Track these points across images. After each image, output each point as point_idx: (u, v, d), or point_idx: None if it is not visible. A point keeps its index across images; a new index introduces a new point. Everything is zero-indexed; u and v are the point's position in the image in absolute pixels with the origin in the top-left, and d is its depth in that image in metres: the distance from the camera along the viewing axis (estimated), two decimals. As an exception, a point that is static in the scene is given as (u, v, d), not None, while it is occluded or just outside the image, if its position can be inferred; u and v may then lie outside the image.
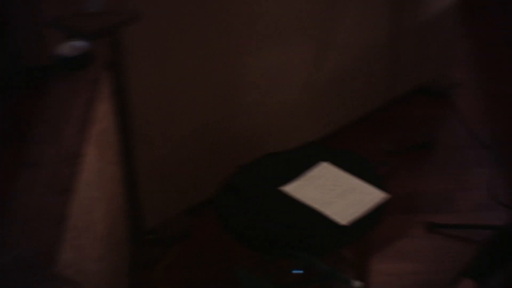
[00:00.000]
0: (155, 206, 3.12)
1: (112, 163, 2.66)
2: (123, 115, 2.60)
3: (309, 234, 2.45)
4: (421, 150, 3.86)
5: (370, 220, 2.54)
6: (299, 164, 2.74)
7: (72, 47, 2.35)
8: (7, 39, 2.42)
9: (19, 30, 2.45)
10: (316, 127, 3.68)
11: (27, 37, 2.46)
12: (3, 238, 1.75)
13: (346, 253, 2.92)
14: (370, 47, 3.70)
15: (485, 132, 3.94)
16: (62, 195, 1.87)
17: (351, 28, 3.52)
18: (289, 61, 3.34)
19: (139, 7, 2.51)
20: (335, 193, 2.61)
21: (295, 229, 2.45)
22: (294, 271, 2.00)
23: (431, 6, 3.87)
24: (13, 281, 1.63)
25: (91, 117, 2.22)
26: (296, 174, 2.69)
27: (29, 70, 2.46)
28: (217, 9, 2.93)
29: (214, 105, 3.15)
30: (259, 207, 2.54)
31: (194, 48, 2.95)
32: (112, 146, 2.64)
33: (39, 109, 2.24)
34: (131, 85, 2.60)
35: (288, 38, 3.27)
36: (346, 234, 2.47)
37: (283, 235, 2.44)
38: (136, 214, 2.87)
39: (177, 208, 3.28)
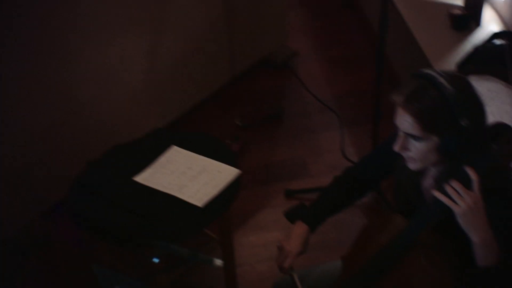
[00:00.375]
0: (9, 213, 3.01)
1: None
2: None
3: (166, 221, 2.43)
4: (272, 121, 3.94)
5: (226, 197, 2.55)
6: (148, 152, 2.71)
7: None
8: None
9: None
10: (164, 113, 3.66)
11: None
12: None
13: (210, 232, 2.93)
14: (206, 28, 3.70)
15: (328, 96, 4.07)
16: None
17: (183, 12, 3.52)
18: (125, 53, 3.29)
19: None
20: (188, 176, 2.60)
21: (151, 218, 2.42)
22: (154, 260, 1.98)
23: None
24: None
25: None
26: (147, 162, 2.66)
27: None
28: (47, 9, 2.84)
29: (55, 104, 3.06)
30: (112, 200, 2.49)
31: (25, 48, 2.85)
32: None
33: None
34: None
35: (120, 31, 3.22)
36: (204, 215, 2.47)
37: (139, 225, 2.40)
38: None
39: (33, 213, 3.17)
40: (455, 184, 1.75)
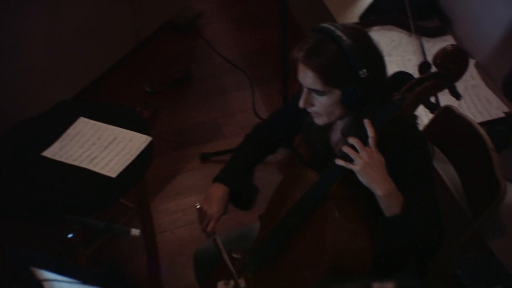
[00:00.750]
0: None
1: None
2: None
3: (79, 194, 2.39)
4: (182, 85, 3.90)
5: (139, 166, 2.52)
6: (56, 125, 2.64)
7: None
8: None
9: None
10: (70, 84, 3.56)
11: None
12: None
13: (127, 202, 2.90)
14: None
15: (237, 56, 4.06)
16: None
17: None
18: (24, 23, 3.17)
19: None
20: (98, 147, 2.55)
21: (63, 193, 2.37)
22: (69, 236, 1.95)
23: None
24: None
25: None
26: (55, 136, 2.59)
27: None
28: None
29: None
30: (21, 177, 2.41)
31: None
32: None
33: None
34: None
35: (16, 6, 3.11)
36: (118, 185, 2.44)
37: (51, 201, 2.35)
38: None
39: None
40: (352, 140, 1.78)
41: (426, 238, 1.87)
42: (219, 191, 2.15)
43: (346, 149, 1.80)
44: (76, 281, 1.40)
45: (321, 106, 1.88)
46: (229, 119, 3.70)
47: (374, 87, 1.82)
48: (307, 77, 1.85)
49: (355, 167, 1.78)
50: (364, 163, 1.77)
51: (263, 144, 2.25)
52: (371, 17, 3.13)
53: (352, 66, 1.80)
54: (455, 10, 2.97)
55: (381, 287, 1.07)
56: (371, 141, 1.79)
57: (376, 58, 1.85)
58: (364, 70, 1.79)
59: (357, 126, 1.85)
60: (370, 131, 1.78)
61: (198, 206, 2.16)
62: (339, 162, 1.81)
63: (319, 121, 1.93)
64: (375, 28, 3.06)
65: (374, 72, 1.82)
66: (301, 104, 1.90)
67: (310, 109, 1.91)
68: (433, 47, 2.88)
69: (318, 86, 1.84)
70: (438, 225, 1.90)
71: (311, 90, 1.87)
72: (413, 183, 1.86)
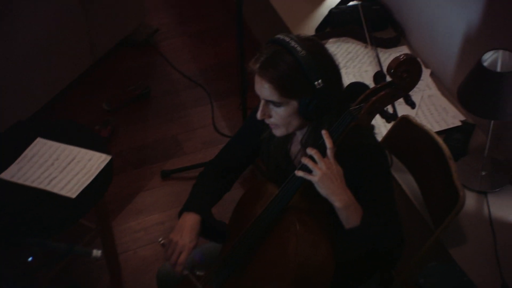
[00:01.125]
0: None
1: None
2: None
3: (38, 216, 2.35)
4: (140, 102, 3.87)
5: (99, 185, 2.50)
6: (12, 146, 2.60)
7: None
8: None
9: None
10: (26, 105, 3.52)
11: None
12: None
13: (88, 222, 2.86)
14: (61, 13, 3.57)
15: (195, 71, 4.05)
16: None
17: (33, 3, 3.38)
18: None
19: None
20: (57, 167, 2.52)
21: (22, 215, 2.33)
22: (29, 259, 1.92)
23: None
24: None
25: None
26: (12, 158, 2.55)
27: None
28: None
29: None
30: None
31: None
32: None
33: None
34: None
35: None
36: (78, 206, 2.41)
37: (10, 224, 2.31)
38: None
39: None
40: (311, 151, 1.79)
41: (386, 248, 1.89)
42: (190, 220, 2.04)
43: (305, 160, 1.81)
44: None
45: (278, 117, 1.89)
46: (189, 135, 3.68)
47: (330, 97, 1.83)
48: (263, 89, 1.86)
49: (314, 178, 1.79)
50: (322, 174, 1.78)
51: (226, 170, 2.19)
52: (327, 29, 3.15)
53: (308, 76, 1.81)
54: (409, 20, 3.01)
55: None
56: (329, 152, 1.80)
57: (331, 68, 1.87)
58: (320, 81, 1.81)
59: (316, 137, 1.87)
60: (328, 142, 1.80)
61: (162, 242, 2.04)
62: (299, 173, 1.81)
63: (278, 132, 1.94)
64: (331, 40, 3.08)
65: (330, 82, 1.84)
66: (258, 115, 1.91)
67: (268, 121, 1.92)
68: (389, 57, 2.91)
69: (274, 97, 1.85)
70: (398, 235, 1.92)
71: (268, 102, 1.88)
72: (372, 193, 1.88)
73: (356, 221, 1.82)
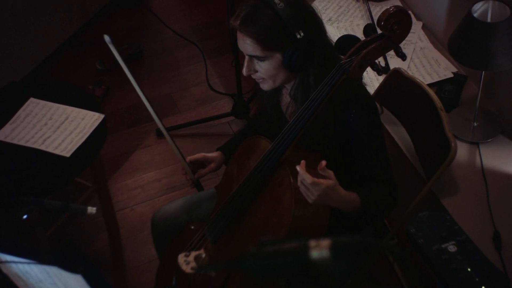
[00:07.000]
0: None
1: None
2: None
3: (33, 176, 2.36)
4: (134, 61, 3.86)
5: (93, 144, 2.51)
6: (5, 107, 2.60)
7: None
8: None
9: None
10: (18, 66, 3.51)
11: None
12: None
13: (84, 181, 2.88)
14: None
15: (187, 29, 4.03)
16: None
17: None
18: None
19: None
20: (50, 127, 2.52)
21: (17, 175, 2.35)
22: (24, 217, 1.93)
23: None
24: None
25: None
26: (5, 118, 2.55)
27: None
28: None
29: None
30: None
31: None
32: None
33: None
34: None
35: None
36: (72, 165, 2.42)
37: (5, 184, 2.32)
38: None
39: None
40: (301, 177, 1.74)
41: (386, 215, 1.92)
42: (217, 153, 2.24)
43: (299, 186, 1.78)
44: (33, 261, 1.40)
45: (264, 71, 1.90)
46: (183, 93, 3.68)
47: (312, 47, 1.84)
48: (246, 45, 1.86)
49: (310, 201, 1.78)
50: (315, 198, 1.77)
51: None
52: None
53: (288, 28, 1.81)
54: (401, -27, 2.99)
55: (317, 244, 1.08)
56: (308, 180, 1.73)
57: (311, 18, 1.87)
58: (301, 31, 1.81)
59: (304, 88, 1.88)
60: (307, 178, 1.73)
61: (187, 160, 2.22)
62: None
63: (265, 86, 1.94)
64: (323, -6, 3.07)
65: (311, 32, 1.84)
66: (244, 71, 1.91)
67: (254, 76, 1.93)
68: (380, 11, 2.86)
69: (257, 52, 1.85)
70: (392, 187, 1.94)
71: (252, 57, 1.89)
72: (366, 142, 1.90)
73: (355, 206, 1.86)
